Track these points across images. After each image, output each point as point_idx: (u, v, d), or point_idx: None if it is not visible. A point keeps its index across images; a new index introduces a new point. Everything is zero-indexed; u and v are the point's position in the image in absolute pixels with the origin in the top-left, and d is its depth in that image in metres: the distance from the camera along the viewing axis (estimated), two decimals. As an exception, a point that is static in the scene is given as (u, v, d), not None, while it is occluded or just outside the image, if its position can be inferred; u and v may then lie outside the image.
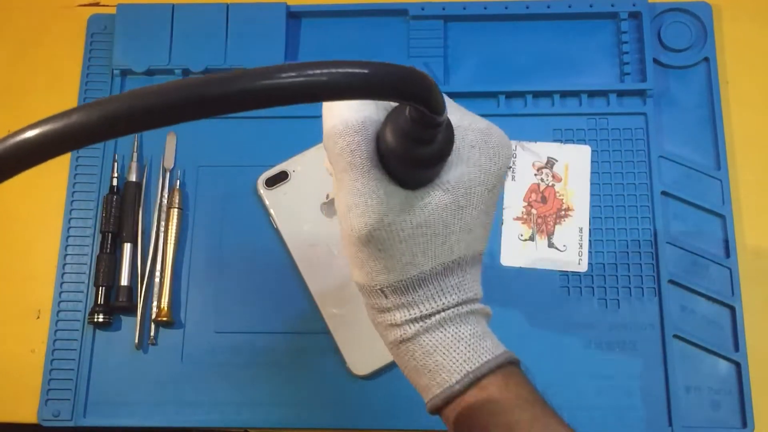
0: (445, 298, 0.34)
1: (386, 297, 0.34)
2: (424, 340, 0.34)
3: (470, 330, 0.34)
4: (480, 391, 0.34)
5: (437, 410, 0.35)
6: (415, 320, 0.34)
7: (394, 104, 0.33)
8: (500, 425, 0.33)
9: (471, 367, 0.34)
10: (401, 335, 0.35)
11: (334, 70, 0.23)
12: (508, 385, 0.34)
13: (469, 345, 0.34)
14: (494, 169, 0.34)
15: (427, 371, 0.34)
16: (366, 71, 0.24)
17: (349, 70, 0.24)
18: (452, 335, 0.34)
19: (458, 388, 0.34)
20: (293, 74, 0.23)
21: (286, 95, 0.23)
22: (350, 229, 0.33)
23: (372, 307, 0.36)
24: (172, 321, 0.58)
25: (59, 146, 0.22)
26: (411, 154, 0.31)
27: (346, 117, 0.33)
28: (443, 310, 0.34)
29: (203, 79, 0.22)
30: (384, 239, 0.33)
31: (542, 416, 0.34)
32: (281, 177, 0.60)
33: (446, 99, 0.35)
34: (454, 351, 0.34)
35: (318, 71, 0.23)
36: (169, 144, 0.62)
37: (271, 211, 0.60)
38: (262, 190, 0.60)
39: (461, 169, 0.33)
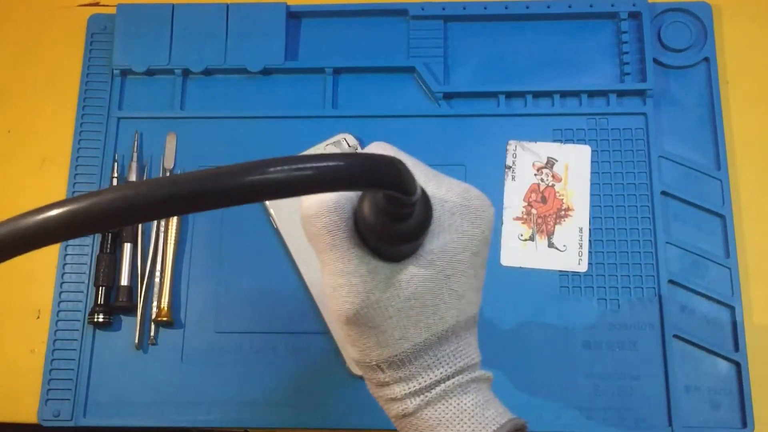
0: (442, 368, 0.34)
1: (383, 372, 0.34)
2: (426, 414, 0.34)
3: (472, 400, 0.34)
4: None
5: None
6: (415, 394, 0.34)
7: None
8: None
9: None
10: (403, 410, 0.34)
11: (315, 165, 0.24)
12: None
13: (473, 417, 0.33)
14: (477, 233, 0.34)
15: None
16: (339, 164, 0.24)
17: (322, 165, 0.24)
18: (454, 407, 0.34)
19: None
20: (273, 171, 0.23)
21: (260, 194, 0.23)
22: (337, 310, 0.33)
23: (370, 381, 0.35)
24: (172, 321, 0.58)
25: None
26: (390, 231, 0.31)
27: (321, 197, 0.33)
28: (442, 381, 0.34)
29: (192, 176, 0.23)
30: (373, 317, 0.32)
31: None
32: None
33: (420, 168, 0.35)
34: (458, 424, 0.33)
35: (288, 167, 0.23)
36: (169, 144, 0.62)
37: (271, 211, 0.60)
38: None
39: (444, 238, 0.33)
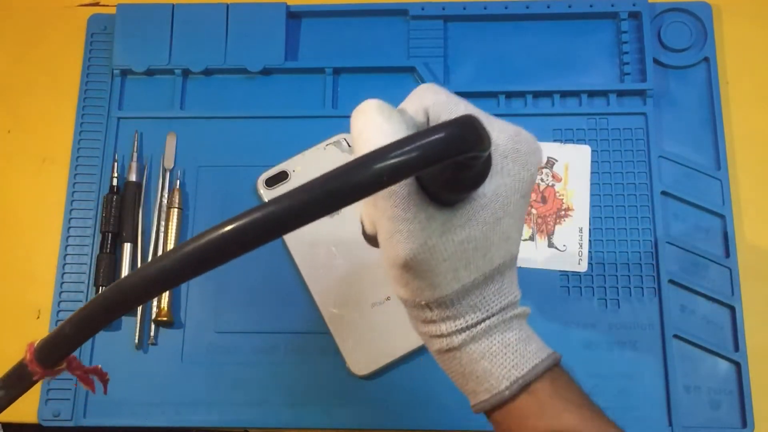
0: (488, 306, 0.35)
1: (431, 310, 0.35)
2: (471, 348, 0.35)
3: (515, 335, 0.35)
4: (529, 395, 0.34)
5: (484, 412, 0.36)
6: (460, 330, 0.34)
7: (424, 121, 0.35)
8: (550, 429, 0.34)
9: (519, 373, 0.34)
10: (447, 344, 0.35)
11: (424, 141, 0.27)
12: (556, 389, 0.35)
13: (516, 351, 0.34)
14: (527, 176, 0.34)
15: (475, 377, 0.35)
16: (440, 140, 0.27)
17: (425, 143, 0.26)
18: (498, 342, 0.35)
19: (507, 394, 0.34)
20: (391, 157, 0.26)
21: (384, 181, 0.26)
22: (395, 255, 0.33)
23: (415, 318, 0.36)
24: (171, 321, 0.58)
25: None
26: (453, 180, 0.31)
27: (380, 143, 0.32)
28: (487, 318, 0.35)
29: (333, 174, 0.26)
30: (428, 260, 0.33)
31: (590, 418, 0.35)
32: (281, 177, 0.60)
33: (474, 112, 0.35)
34: (502, 357, 0.34)
35: (408, 148, 0.26)
36: (169, 144, 0.62)
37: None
38: (262, 190, 0.60)
39: (496, 181, 0.34)
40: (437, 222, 0.33)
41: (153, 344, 0.58)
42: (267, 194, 0.60)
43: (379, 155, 0.26)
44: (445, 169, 0.31)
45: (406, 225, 0.32)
